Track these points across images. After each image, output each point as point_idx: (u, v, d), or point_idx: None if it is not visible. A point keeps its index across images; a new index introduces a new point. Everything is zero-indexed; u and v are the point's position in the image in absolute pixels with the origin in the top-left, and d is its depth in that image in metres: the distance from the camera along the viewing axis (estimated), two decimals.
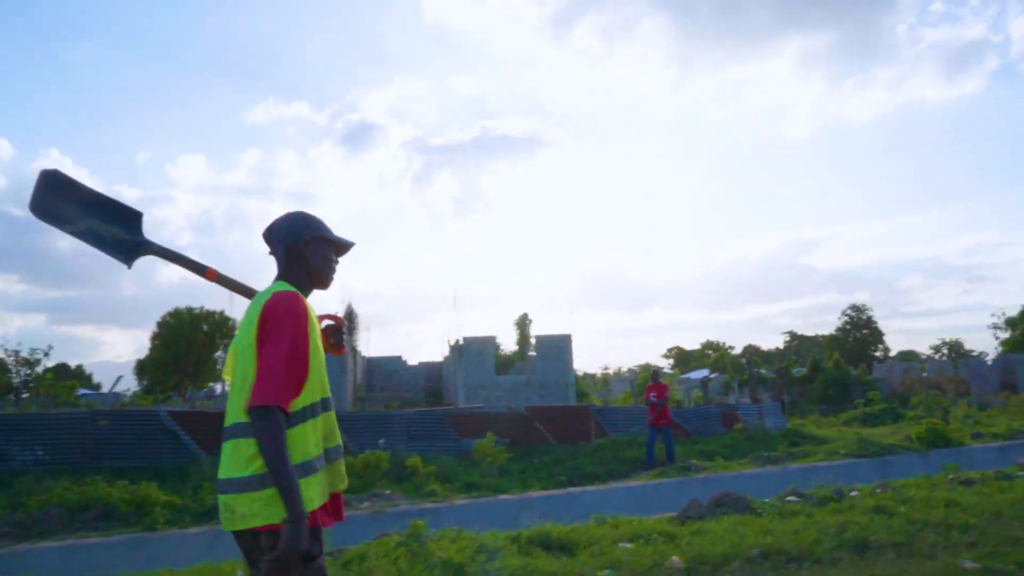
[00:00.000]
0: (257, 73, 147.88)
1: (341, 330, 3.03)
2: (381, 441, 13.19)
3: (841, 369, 37.39)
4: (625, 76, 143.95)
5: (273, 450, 2.27)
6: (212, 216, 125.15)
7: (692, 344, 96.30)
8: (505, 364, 30.11)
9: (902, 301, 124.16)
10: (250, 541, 2.39)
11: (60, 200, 3.12)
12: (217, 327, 41.49)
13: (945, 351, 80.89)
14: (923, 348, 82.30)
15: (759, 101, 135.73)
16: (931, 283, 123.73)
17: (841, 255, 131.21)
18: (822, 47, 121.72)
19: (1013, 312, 64.73)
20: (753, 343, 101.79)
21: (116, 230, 3.16)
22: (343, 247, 2.79)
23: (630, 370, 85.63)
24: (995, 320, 66.77)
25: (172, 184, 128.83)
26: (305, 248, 2.65)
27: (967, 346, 78.83)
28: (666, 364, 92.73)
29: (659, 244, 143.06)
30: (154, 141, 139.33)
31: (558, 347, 24.18)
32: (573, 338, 24.64)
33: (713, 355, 76.76)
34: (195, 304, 41.89)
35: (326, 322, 2.97)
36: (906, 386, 37.31)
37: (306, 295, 2.64)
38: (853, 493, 8.35)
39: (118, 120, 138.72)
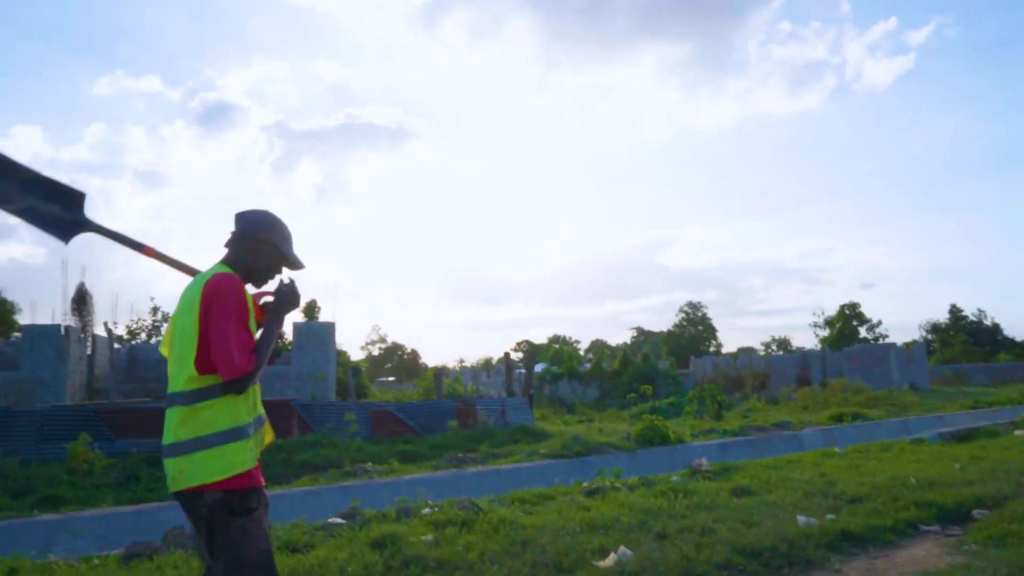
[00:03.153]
0: (103, 42, 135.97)
1: (282, 289, 3.06)
2: None
3: (649, 363, 37.18)
4: (491, 73, 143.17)
5: (264, 363, 2.70)
6: None
7: (541, 338, 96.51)
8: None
9: (746, 300, 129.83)
10: (192, 500, 2.60)
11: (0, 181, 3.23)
12: None
13: (774, 347, 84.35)
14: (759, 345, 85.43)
15: (619, 105, 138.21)
16: (771, 284, 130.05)
17: (691, 255, 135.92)
18: (679, 57, 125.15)
19: (832, 312, 67.97)
20: (601, 338, 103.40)
21: (55, 208, 3.28)
22: (291, 264, 3.00)
23: (478, 363, 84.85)
24: (815, 319, 70.04)
25: None
26: (258, 245, 2.89)
27: (795, 343, 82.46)
28: (516, 357, 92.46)
29: (520, 240, 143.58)
30: None
31: (319, 336, 22.04)
32: (337, 327, 22.62)
33: (553, 349, 76.29)
34: None
35: (265, 298, 3.04)
36: (710, 380, 37.51)
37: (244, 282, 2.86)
38: (429, 511, 6.76)
39: None
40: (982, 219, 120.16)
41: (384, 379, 72.59)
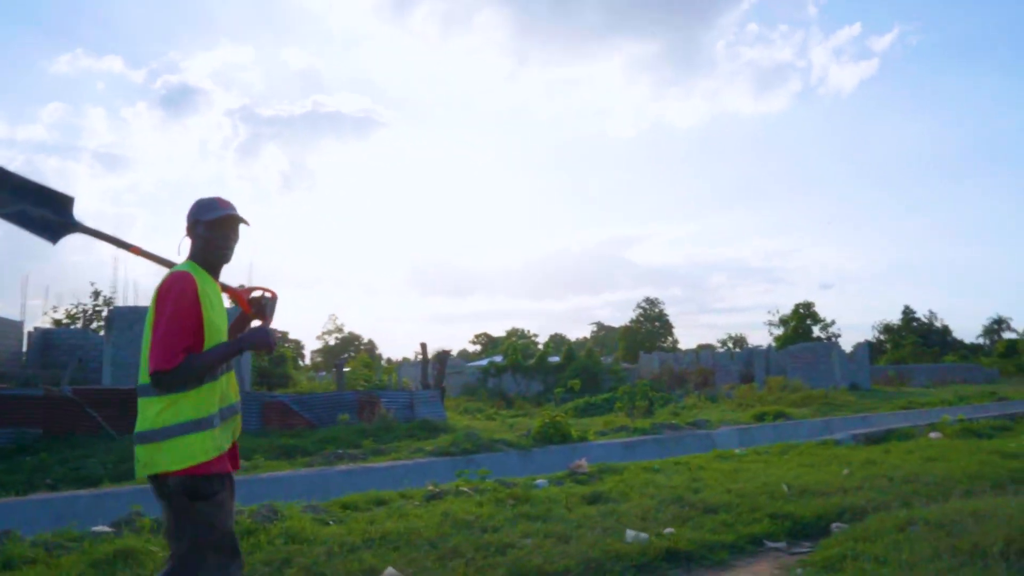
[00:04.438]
0: (63, 20, 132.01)
1: (263, 302, 3.16)
2: None
3: (593, 359, 36.60)
4: (461, 64, 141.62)
5: (198, 373, 2.73)
6: None
7: (501, 331, 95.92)
8: None
9: (710, 298, 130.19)
10: (158, 485, 2.73)
11: None
12: None
13: (731, 344, 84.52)
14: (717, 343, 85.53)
15: (588, 99, 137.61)
16: (735, 282, 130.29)
17: (657, 252, 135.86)
18: (649, 55, 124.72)
19: (788, 311, 68.07)
20: (562, 332, 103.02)
21: (45, 212, 3.43)
22: (219, 224, 2.96)
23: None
24: (770, 318, 70.08)
25: None
26: (193, 229, 2.98)
27: (752, 341, 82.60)
28: (474, 349, 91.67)
29: (487, 233, 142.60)
30: None
31: (135, 320, 20.70)
32: None
33: (508, 342, 75.61)
34: None
35: (255, 292, 3.18)
36: (655, 377, 37.02)
37: (212, 272, 2.97)
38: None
39: None
40: (942, 221, 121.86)
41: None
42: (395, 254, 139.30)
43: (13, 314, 31.71)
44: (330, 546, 4.97)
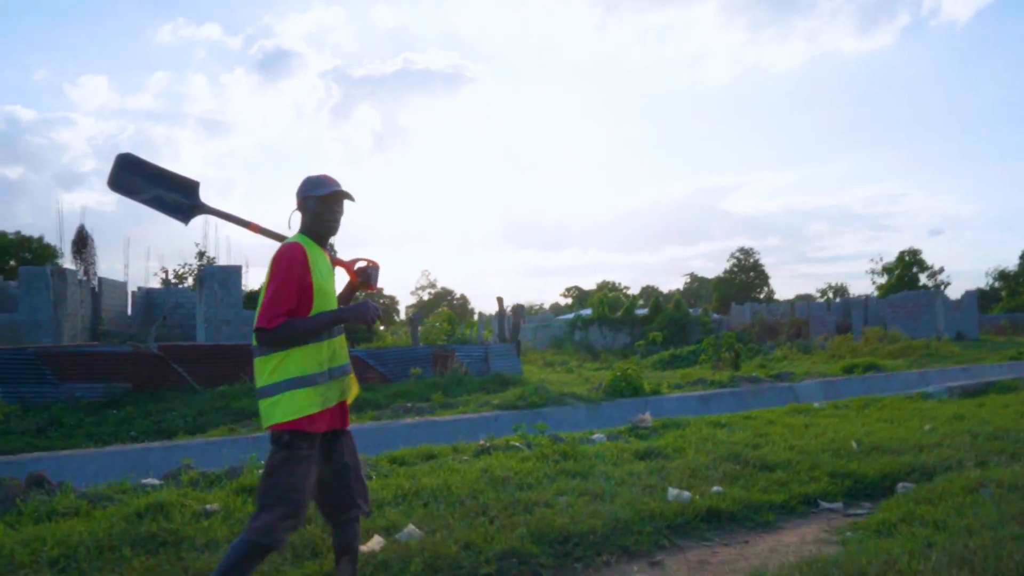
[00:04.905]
0: None
1: (369, 271, 3.43)
2: None
3: (680, 310, 35.85)
4: (549, 16, 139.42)
5: (298, 335, 2.98)
6: (117, 141, 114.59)
7: (590, 285, 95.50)
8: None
9: (810, 247, 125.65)
10: (272, 437, 3.00)
11: (132, 176, 3.86)
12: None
13: (831, 295, 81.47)
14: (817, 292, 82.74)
15: (680, 47, 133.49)
16: (837, 230, 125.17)
17: (754, 201, 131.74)
18: None
19: (891, 259, 64.88)
20: (655, 284, 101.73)
21: (176, 196, 3.85)
22: (330, 199, 3.20)
23: (533, 309, 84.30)
24: (873, 266, 66.95)
25: (72, 106, 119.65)
26: (304, 204, 3.22)
27: (854, 291, 79.34)
28: (566, 303, 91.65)
29: (579, 186, 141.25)
30: (51, 59, 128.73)
31: (226, 279, 21.28)
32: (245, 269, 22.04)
33: (598, 294, 75.16)
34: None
35: (359, 263, 3.45)
36: (745, 328, 36.01)
37: (320, 242, 3.23)
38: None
39: (10, 33, 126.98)
40: None
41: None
42: (488, 209, 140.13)
43: (119, 275, 33.40)
44: None
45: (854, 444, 6.93)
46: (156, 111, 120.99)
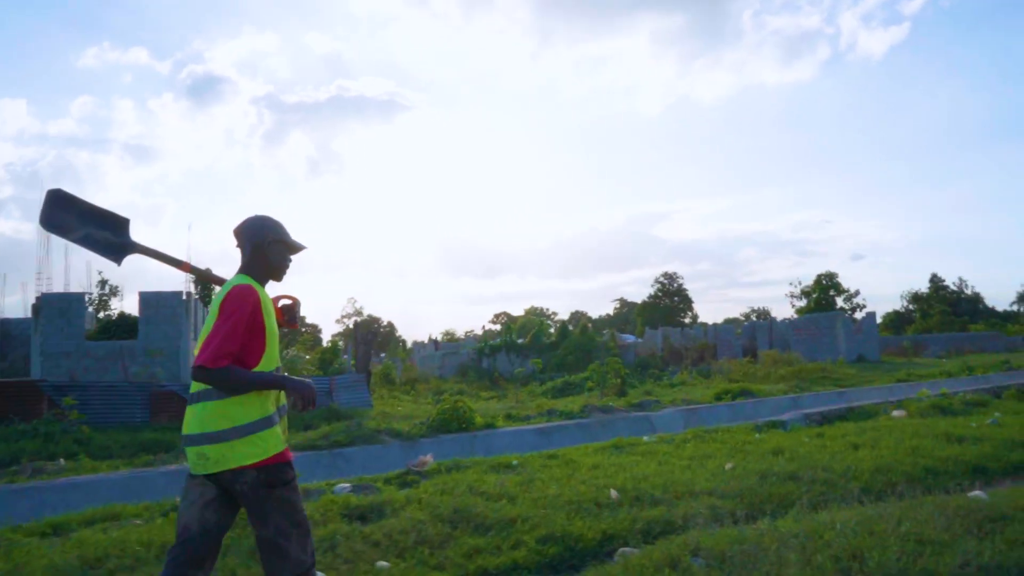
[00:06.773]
0: (89, 13, 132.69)
1: (294, 309, 3.45)
2: None
3: (587, 336, 34.96)
4: (485, 44, 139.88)
5: (236, 384, 2.89)
6: (37, 168, 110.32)
7: (518, 311, 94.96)
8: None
9: (739, 272, 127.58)
10: (231, 479, 2.88)
11: (62, 213, 3.73)
12: None
13: (754, 318, 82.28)
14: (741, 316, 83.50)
15: (614, 77, 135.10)
16: (765, 256, 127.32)
17: (687, 228, 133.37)
18: (675, 27, 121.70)
19: (809, 283, 65.56)
20: (585, 309, 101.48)
21: (107, 235, 3.74)
22: (297, 248, 3.30)
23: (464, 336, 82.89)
24: (792, 290, 67.55)
25: None
26: (267, 248, 3.18)
27: (776, 314, 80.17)
28: (496, 329, 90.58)
29: (515, 213, 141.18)
30: None
31: (168, 307, 19.71)
32: (190, 297, 20.35)
33: (522, 320, 74.35)
34: None
35: (282, 301, 3.41)
36: (653, 353, 35.34)
37: (263, 284, 3.17)
38: None
39: None
40: (976, 190, 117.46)
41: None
42: (425, 236, 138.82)
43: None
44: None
45: (613, 493, 5.80)
46: (80, 136, 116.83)
